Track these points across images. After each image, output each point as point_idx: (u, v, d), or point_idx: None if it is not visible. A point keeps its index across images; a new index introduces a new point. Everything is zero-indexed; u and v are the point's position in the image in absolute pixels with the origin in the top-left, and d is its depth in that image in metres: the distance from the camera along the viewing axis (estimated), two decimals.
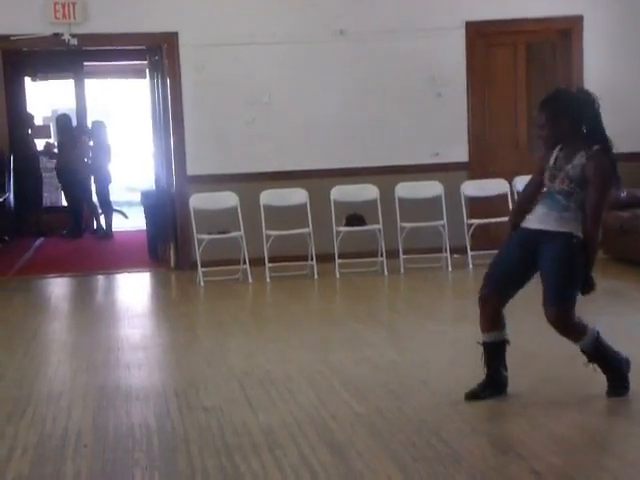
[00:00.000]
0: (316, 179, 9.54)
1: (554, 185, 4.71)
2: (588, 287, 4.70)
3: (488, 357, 4.83)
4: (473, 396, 4.79)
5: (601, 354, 4.75)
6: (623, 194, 9.15)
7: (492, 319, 4.82)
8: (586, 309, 7.79)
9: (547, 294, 4.62)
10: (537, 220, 4.73)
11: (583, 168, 4.61)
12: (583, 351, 4.75)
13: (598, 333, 4.75)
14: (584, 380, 5.13)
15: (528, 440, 4.21)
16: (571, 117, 4.64)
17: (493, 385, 4.83)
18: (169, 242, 9.98)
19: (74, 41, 9.29)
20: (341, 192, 9.36)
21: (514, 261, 4.74)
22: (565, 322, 4.63)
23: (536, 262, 4.68)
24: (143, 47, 10.29)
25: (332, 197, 9.30)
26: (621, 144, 9.84)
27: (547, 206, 4.72)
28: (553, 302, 4.59)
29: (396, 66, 9.72)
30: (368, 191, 9.39)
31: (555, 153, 4.79)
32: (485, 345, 4.85)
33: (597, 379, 5.29)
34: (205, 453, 4.22)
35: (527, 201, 4.94)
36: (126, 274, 9.91)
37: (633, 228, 8.61)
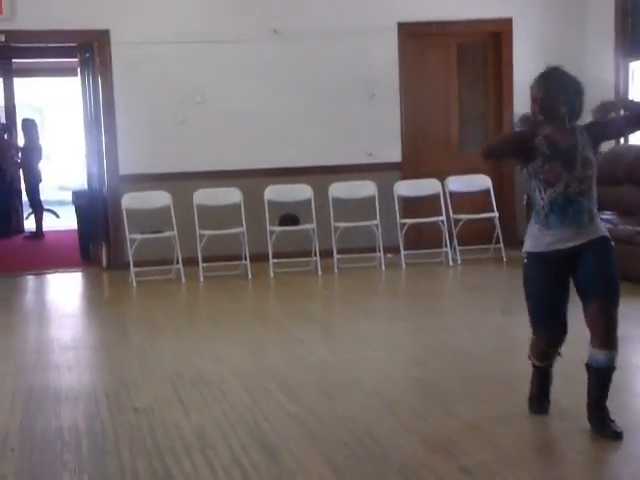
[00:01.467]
0: (250, 179, 9.52)
1: (571, 181, 4.15)
2: None
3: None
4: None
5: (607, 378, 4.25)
6: None
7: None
8: (517, 305, 7.89)
9: (598, 289, 4.16)
10: (567, 240, 4.20)
11: (591, 140, 4.21)
12: (596, 366, 4.21)
13: None
14: (514, 377, 5.20)
15: (458, 438, 4.25)
16: (570, 94, 4.25)
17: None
18: (101, 242, 9.87)
19: (1, 37, 9.11)
20: (275, 192, 9.35)
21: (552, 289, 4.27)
22: (612, 320, 4.18)
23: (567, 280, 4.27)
24: (74, 45, 10.13)
25: (266, 197, 9.29)
26: None
27: (569, 222, 4.19)
28: (607, 298, 4.16)
29: (330, 66, 9.74)
30: (302, 191, 9.39)
31: (540, 138, 4.21)
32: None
33: (527, 376, 5.37)
34: (135, 455, 4.18)
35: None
36: (57, 274, 9.77)
37: None
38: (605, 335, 4.16)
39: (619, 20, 9.52)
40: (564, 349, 4.46)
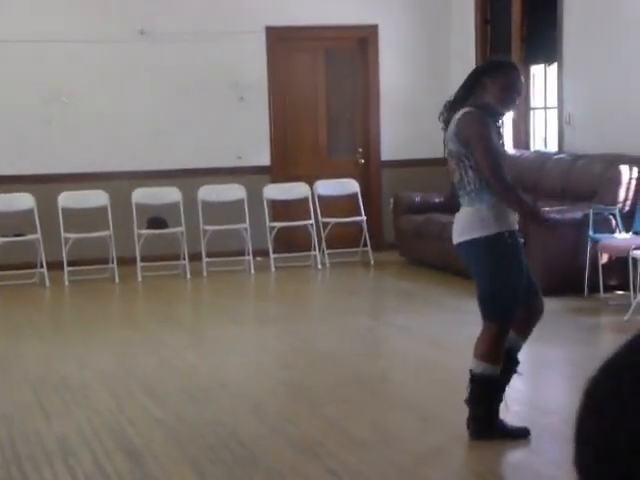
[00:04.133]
0: (117, 181, 9.37)
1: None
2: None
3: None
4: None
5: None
6: (417, 199, 9.52)
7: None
8: (384, 308, 8.03)
9: (537, 286, 4.27)
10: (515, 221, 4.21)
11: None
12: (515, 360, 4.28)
13: None
14: (379, 379, 5.30)
15: (324, 439, 4.30)
16: None
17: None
18: None
19: None
20: (143, 194, 9.24)
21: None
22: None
23: None
24: None
25: (133, 199, 9.16)
26: (416, 150, 10.30)
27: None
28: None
29: (199, 68, 9.69)
30: (170, 194, 9.30)
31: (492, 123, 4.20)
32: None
33: (392, 377, 5.48)
34: None
35: None
36: None
37: (426, 232, 8.94)
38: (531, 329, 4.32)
39: (479, 28, 9.81)
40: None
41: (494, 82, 4.13)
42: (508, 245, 4.08)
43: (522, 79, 4.28)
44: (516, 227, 4.15)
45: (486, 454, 4.09)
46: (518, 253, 4.12)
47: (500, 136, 4.25)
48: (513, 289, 4.10)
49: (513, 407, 4.76)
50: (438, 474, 3.99)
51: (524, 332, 4.28)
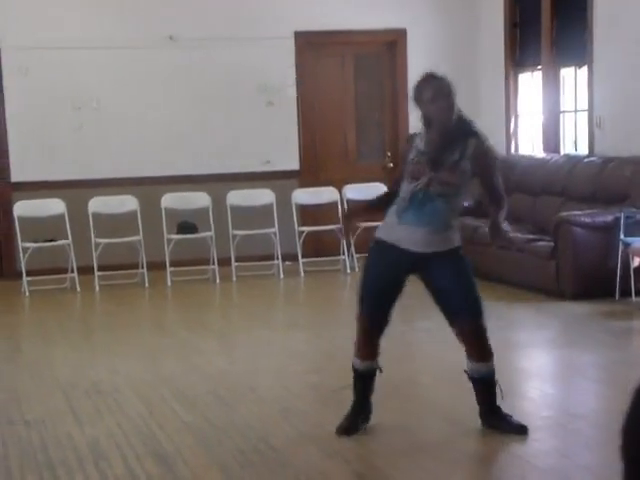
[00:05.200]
0: (147, 186, 9.43)
1: (435, 179, 4.11)
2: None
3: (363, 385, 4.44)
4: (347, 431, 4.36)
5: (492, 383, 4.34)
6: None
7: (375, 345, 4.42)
8: (413, 312, 8.03)
9: (464, 307, 4.19)
10: (419, 243, 4.16)
11: (477, 157, 4.16)
12: (479, 377, 4.31)
13: None
14: (408, 382, 5.29)
15: (353, 444, 4.29)
16: (454, 99, 4.23)
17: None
18: None
19: None
20: (172, 200, 9.29)
21: (387, 282, 4.28)
22: (484, 332, 4.24)
23: (405, 281, 4.30)
24: None
25: (163, 205, 9.21)
26: None
27: (425, 222, 4.14)
28: (475, 314, 4.20)
29: (228, 73, 9.73)
30: (200, 199, 9.35)
31: (419, 139, 4.24)
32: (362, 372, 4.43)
33: (422, 381, 5.47)
34: (25, 469, 4.09)
35: (384, 203, 4.34)
36: None
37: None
38: (481, 349, 4.26)
39: (508, 32, 9.77)
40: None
41: None
42: (371, 250, 4.33)
43: (428, 86, 4.21)
44: (397, 243, 4.18)
45: (516, 459, 4.07)
46: (374, 264, 4.28)
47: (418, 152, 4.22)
48: (365, 291, 4.29)
49: (544, 412, 4.73)
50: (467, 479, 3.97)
51: (467, 353, 4.32)
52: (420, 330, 6.91)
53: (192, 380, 5.53)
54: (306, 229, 9.47)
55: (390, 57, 10.22)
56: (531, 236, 8.04)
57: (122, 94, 9.53)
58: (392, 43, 10.17)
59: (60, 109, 9.38)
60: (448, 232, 4.21)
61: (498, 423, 4.32)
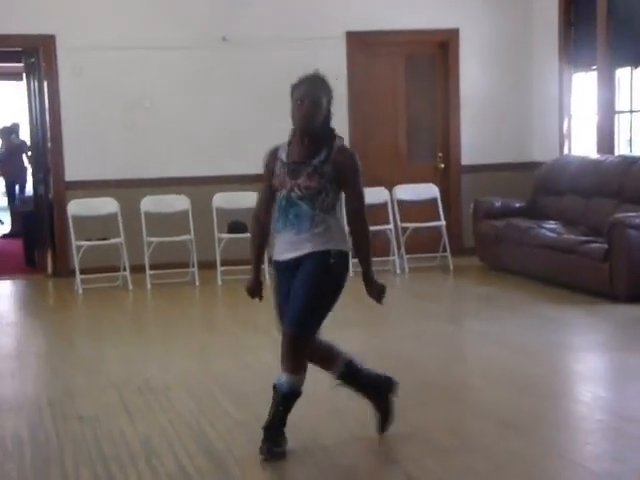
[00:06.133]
0: (198, 186, 9.49)
1: (295, 185, 4.18)
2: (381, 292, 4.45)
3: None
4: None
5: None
6: (497, 203, 9.43)
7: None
8: (463, 313, 7.97)
9: (289, 314, 4.15)
10: (289, 249, 4.20)
11: (337, 164, 4.23)
12: (277, 385, 4.30)
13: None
14: (458, 384, 5.26)
15: (403, 444, 4.28)
16: (327, 103, 4.31)
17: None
18: (46, 249, 9.76)
19: None
20: (223, 199, 9.34)
21: (283, 298, 4.27)
22: (297, 344, 4.15)
23: None
24: (19, 49, 10.02)
25: (214, 204, 9.27)
26: (496, 154, 10.23)
27: (290, 225, 4.17)
28: (293, 324, 4.12)
29: (279, 74, 9.70)
30: (250, 198, 9.33)
31: (285, 147, 4.38)
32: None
33: (472, 383, 5.44)
34: (80, 464, 4.14)
35: (266, 214, 4.37)
36: (0, 281, 9.64)
37: (506, 237, 8.85)
38: (288, 359, 4.16)
39: (563, 31, 9.67)
40: None
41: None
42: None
43: (301, 87, 4.38)
44: (276, 257, 4.27)
45: (569, 463, 4.03)
46: (275, 282, 4.36)
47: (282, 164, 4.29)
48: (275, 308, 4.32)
49: (597, 415, 4.68)
50: None
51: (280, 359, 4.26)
52: (470, 331, 6.88)
53: (243, 378, 5.56)
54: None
55: (442, 57, 10.17)
56: (584, 238, 7.97)
57: (174, 94, 9.61)
58: (444, 43, 10.11)
59: (113, 109, 9.48)
60: (315, 234, 4.16)
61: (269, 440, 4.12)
